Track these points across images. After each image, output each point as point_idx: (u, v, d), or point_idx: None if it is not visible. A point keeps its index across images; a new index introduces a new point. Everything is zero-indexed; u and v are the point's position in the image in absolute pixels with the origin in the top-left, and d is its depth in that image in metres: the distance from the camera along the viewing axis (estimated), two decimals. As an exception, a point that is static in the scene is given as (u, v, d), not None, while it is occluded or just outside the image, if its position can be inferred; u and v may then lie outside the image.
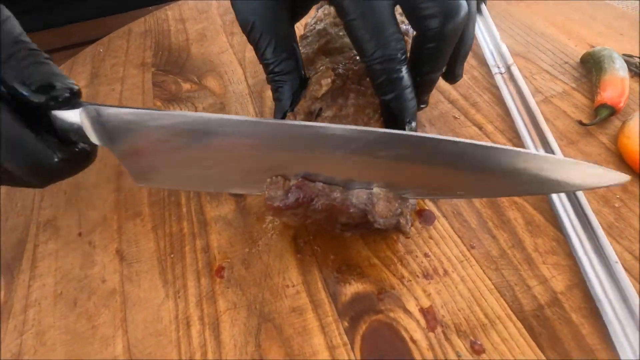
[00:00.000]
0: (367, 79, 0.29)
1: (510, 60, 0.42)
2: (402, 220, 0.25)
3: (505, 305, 0.26)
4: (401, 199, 0.26)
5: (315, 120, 0.28)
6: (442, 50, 0.27)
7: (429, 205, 0.32)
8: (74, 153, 0.26)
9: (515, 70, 0.40)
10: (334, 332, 0.25)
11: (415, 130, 0.28)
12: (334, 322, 0.26)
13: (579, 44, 0.47)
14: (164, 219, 0.32)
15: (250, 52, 0.50)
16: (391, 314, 0.26)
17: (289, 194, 0.26)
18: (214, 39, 0.54)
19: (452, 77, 0.30)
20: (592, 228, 0.27)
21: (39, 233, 0.32)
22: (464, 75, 0.44)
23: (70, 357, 0.25)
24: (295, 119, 0.28)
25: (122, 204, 0.34)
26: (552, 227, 0.30)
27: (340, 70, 0.30)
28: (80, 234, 0.32)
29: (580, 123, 0.36)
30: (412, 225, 0.26)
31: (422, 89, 0.28)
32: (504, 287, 0.27)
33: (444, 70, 0.29)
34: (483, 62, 0.45)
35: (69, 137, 0.26)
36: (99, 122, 0.25)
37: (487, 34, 0.46)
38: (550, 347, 0.24)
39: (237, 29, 0.56)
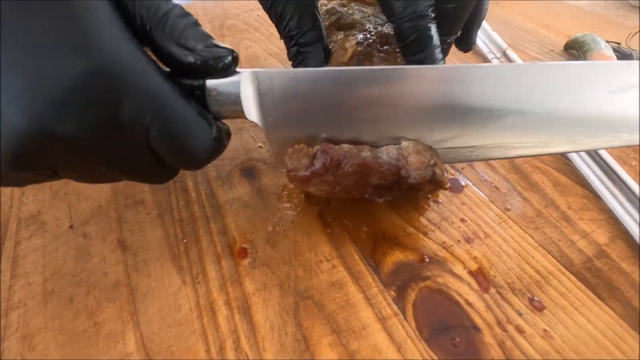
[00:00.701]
0: (388, 47, 0.29)
1: (504, 45, 0.43)
2: (437, 170, 0.24)
3: (554, 260, 0.24)
4: (432, 150, 0.24)
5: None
6: (461, 11, 0.27)
7: (453, 174, 0.31)
8: (225, 131, 0.22)
9: (512, 53, 0.42)
10: (382, 302, 0.23)
11: None
12: (380, 293, 0.23)
13: (558, 36, 0.50)
14: (171, 205, 0.29)
15: (245, 51, 0.50)
16: (439, 280, 0.24)
17: (315, 160, 0.24)
18: (205, 40, 0.53)
19: (467, 43, 0.31)
20: (622, 181, 0.27)
21: (21, 229, 0.28)
22: (459, 62, 0.45)
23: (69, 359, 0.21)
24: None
25: (120, 193, 0.30)
26: (579, 186, 0.30)
27: (359, 39, 0.29)
28: (71, 227, 0.28)
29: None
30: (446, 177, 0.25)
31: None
32: (549, 243, 0.25)
33: (458, 34, 0.29)
34: (476, 53, 0.47)
35: (221, 112, 0.22)
36: (261, 92, 0.22)
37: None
38: (611, 297, 0.22)
39: (228, 32, 0.55)
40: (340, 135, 0.24)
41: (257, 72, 0.22)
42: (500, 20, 0.54)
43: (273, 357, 0.20)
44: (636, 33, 0.46)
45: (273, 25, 0.28)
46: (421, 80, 0.22)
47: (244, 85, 0.22)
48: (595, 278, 0.23)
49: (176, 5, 0.21)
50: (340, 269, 0.24)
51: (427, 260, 0.25)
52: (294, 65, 0.30)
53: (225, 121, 0.23)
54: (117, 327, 0.22)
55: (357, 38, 0.29)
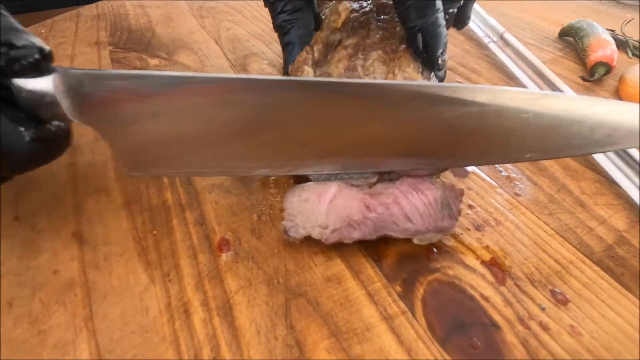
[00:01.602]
0: (386, 17, 0.26)
1: (501, 29, 0.42)
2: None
3: (573, 249, 0.22)
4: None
5: (335, 50, 0.24)
6: None
7: (457, 159, 0.28)
8: (48, 132, 0.19)
9: (509, 37, 0.40)
10: (387, 299, 0.20)
11: (446, 62, 0.25)
12: (384, 288, 0.20)
13: (552, 24, 0.49)
14: (139, 193, 0.25)
15: (225, 32, 0.46)
16: (450, 271, 0.21)
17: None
18: (182, 21, 0.49)
19: (462, 17, 0.28)
20: (637, 163, 0.26)
21: (-46, 222, 0.23)
22: (455, 47, 0.43)
23: (3, 379, 0.17)
24: (312, 51, 0.23)
25: (79, 180, 0.26)
26: (590, 170, 0.27)
27: (355, 6, 0.26)
28: (17, 218, 0.23)
29: (583, 79, 0.36)
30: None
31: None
32: (565, 230, 0.23)
33: (461, 2, 0.27)
34: (470, 37, 0.45)
35: (38, 113, 0.19)
36: (77, 91, 0.19)
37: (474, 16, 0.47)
38: (639, 287, 0.20)
39: (207, 13, 0.52)
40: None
41: (71, 71, 0.18)
42: (492, 10, 0.52)
43: (260, 366, 0.17)
44: (631, 20, 0.45)
45: (257, 8, 0.25)
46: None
47: (57, 87, 0.18)
48: (619, 267, 0.21)
49: None
50: (337, 262, 0.21)
51: (434, 250, 0.22)
52: (280, 37, 0.27)
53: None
54: (68, 335, 0.18)
55: (352, 6, 0.26)
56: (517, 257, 0.22)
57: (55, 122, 0.20)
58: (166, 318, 0.19)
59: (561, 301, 0.20)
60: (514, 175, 0.27)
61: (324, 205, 0.20)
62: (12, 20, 0.19)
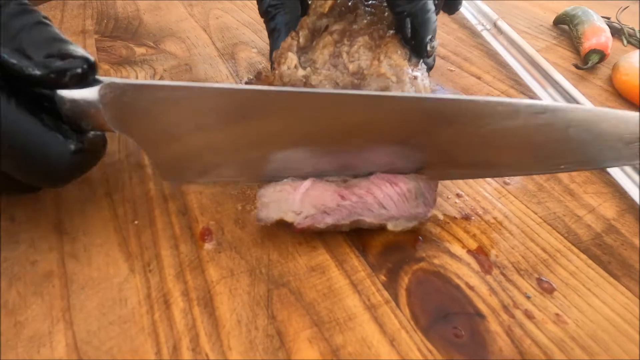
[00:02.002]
0: (374, 1, 0.25)
1: (495, 16, 0.41)
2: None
3: (561, 237, 0.22)
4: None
5: (320, 36, 0.23)
6: None
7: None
8: (89, 142, 0.19)
9: (503, 24, 0.39)
10: (370, 288, 0.19)
11: (435, 49, 0.24)
12: (368, 278, 0.20)
13: (547, 12, 0.48)
14: (122, 183, 0.25)
15: (214, 20, 0.45)
16: (435, 261, 0.21)
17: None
18: (170, 9, 0.48)
19: (453, 5, 0.28)
20: (627, 150, 0.25)
21: None
22: (448, 36, 0.42)
23: (-24, 371, 0.16)
24: (297, 37, 0.23)
25: (60, 170, 0.25)
26: (580, 159, 0.27)
27: (341, -8, 0.25)
28: (-4, 209, 0.23)
29: (577, 67, 0.36)
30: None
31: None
32: (554, 219, 0.23)
33: None
34: (463, 25, 0.44)
35: (80, 124, 0.19)
36: (121, 102, 0.18)
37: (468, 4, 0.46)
38: (626, 275, 0.20)
39: (197, 1, 0.50)
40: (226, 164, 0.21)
41: (118, 82, 0.18)
42: (487, -4, 0.51)
43: (240, 356, 0.17)
44: (626, 7, 0.44)
45: None
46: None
47: (103, 98, 0.18)
48: (606, 255, 0.21)
49: (11, 2, 0.18)
50: (321, 251, 0.21)
51: (420, 239, 0.22)
52: (266, 23, 0.26)
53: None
54: (44, 327, 0.18)
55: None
56: (504, 246, 0.21)
57: (93, 132, 0.20)
58: (145, 309, 0.18)
59: (547, 290, 0.19)
60: (504, 164, 0.27)
61: (298, 195, 0.20)
62: (57, 31, 0.19)
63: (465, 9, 0.44)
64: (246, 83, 0.22)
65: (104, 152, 0.21)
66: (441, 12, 0.29)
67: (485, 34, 0.40)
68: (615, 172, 0.25)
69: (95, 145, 0.20)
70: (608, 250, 0.21)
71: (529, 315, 0.18)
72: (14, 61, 0.17)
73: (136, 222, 0.22)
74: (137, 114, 0.19)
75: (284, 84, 0.22)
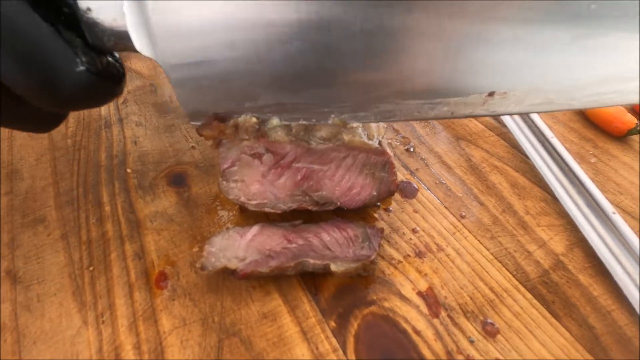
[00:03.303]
0: None
1: None
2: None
3: (510, 275, 0.22)
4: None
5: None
6: None
7: (407, 177, 0.28)
8: (105, 66, 0.17)
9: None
10: (319, 336, 0.20)
11: None
12: (318, 324, 0.20)
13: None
14: (79, 223, 0.25)
15: None
16: (385, 304, 0.21)
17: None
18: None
19: None
20: (581, 183, 0.26)
21: None
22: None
23: None
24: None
25: (16, 210, 0.25)
26: (537, 187, 0.28)
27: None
28: (-51, 256, 0.23)
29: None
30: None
31: None
32: (504, 255, 0.23)
33: None
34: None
35: (101, 42, 0.17)
36: (149, 19, 0.16)
37: None
38: (567, 315, 0.21)
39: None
40: (268, 99, 0.19)
41: None
42: None
43: (188, 412, 0.17)
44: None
45: None
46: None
47: (129, 8, 0.16)
48: (551, 294, 0.22)
49: None
50: (274, 296, 0.21)
51: (373, 280, 0.22)
52: None
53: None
54: (-5, 386, 0.18)
55: None
56: (454, 286, 0.22)
57: (110, 58, 0.18)
58: (96, 364, 0.19)
59: (490, 333, 0.20)
60: (462, 195, 0.27)
61: (244, 241, 0.20)
62: None
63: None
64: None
65: (121, 87, 0.18)
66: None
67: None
68: (567, 202, 0.25)
69: (111, 73, 0.18)
70: (553, 289, 0.22)
71: (471, 361, 0.19)
72: None
73: (91, 267, 0.22)
74: (165, 35, 0.17)
75: (238, 128, 0.21)
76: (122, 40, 0.17)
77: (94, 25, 0.17)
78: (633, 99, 0.18)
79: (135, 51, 0.18)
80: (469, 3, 0.16)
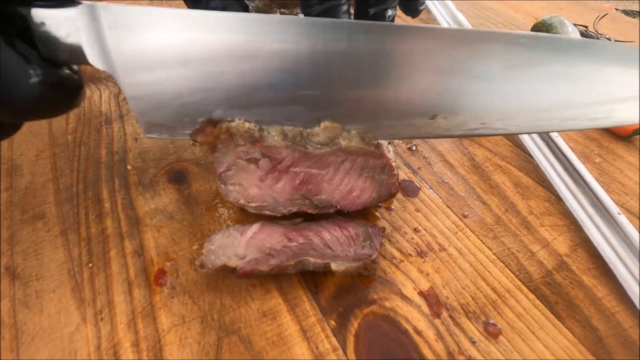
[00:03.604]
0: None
1: (469, 26, 0.40)
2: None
3: (512, 275, 0.22)
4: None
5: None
6: None
7: (409, 176, 0.28)
8: (59, 77, 0.17)
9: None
10: (319, 335, 0.20)
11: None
12: (318, 323, 0.20)
13: (525, 17, 0.48)
14: (78, 220, 0.24)
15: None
16: (386, 303, 0.21)
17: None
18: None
19: (414, 7, 0.26)
20: (586, 183, 0.25)
21: None
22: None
23: None
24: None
25: (16, 206, 0.25)
26: (541, 187, 0.27)
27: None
28: (-51, 251, 0.23)
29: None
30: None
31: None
32: (507, 255, 0.23)
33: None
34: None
35: (55, 54, 0.17)
36: (102, 29, 0.17)
37: (440, 6, 0.45)
38: (570, 317, 0.20)
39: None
40: (224, 112, 0.19)
41: (101, 5, 0.17)
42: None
43: (186, 411, 0.17)
44: (604, 15, 0.44)
45: None
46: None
47: (82, 22, 0.17)
48: (554, 295, 0.21)
49: None
50: (274, 295, 0.21)
51: (374, 279, 0.22)
52: None
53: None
54: (-7, 383, 0.18)
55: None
56: (455, 286, 0.22)
57: (67, 70, 0.18)
58: (95, 361, 0.18)
59: (492, 334, 0.20)
60: (464, 194, 0.27)
61: (244, 239, 0.20)
62: None
63: (441, 18, 0.43)
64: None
65: (79, 99, 0.19)
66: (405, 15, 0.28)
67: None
68: (571, 202, 0.25)
69: (66, 85, 0.18)
70: (556, 290, 0.22)
71: (472, 362, 0.19)
72: None
73: (91, 264, 0.22)
74: (119, 45, 0.17)
75: (232, 134, 0.21)
76: (76, 54, 0.17)
77: (47, 38, 0.17)
78: (569, 126, 0.20)
79: (89, 64, 0.18)
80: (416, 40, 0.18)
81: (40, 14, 0.17)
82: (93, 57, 0.18)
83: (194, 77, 0.18)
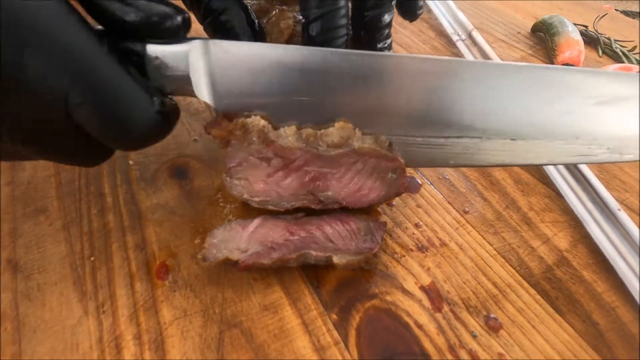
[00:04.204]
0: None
1: (470, 26, 0.40)
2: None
3: (513, 271, 0.22)
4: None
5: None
6: None
7: (411, 172, 0.28)
8: (171, 107, 0.19)
9: (477, 36, 0.39)
10: (321, 328, 0.20)
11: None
12: (319, 317, 0.20)
13: (525, 17, 0.48)
14: (80, 214, 0.24)
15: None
16: (388, 297, 0.21)
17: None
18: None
19: (412, 8, 0.26)
20: (586, 179, 0.26)
21: None
22: (424, 45, 0.42)
23: None
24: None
25: (18, 200, 0.25)
26: (541, 184, 0.27)
27: (299, 17, 0.25)
28: (-49, 244, 0.23)
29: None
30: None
31: (369, 28, 0.23)
32: (508, 251, 0.23)
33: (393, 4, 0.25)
34: (441, 34, 0.44)
35: (163, 86, 0.19)
36: (212, 65, 0.18)
37: (442, 6, 0.45)
38: (571, 311, 0.21)
39: None
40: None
41: (212, 42, 0.18)
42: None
43: (188, 403, 0.17)
44: (604, 15, 0.44)
45: None
46: (401, 72, 0.19)
47: (193, 56, 0.18)
48: (555, 290, 0.21)
49: None
50: (276, 289, 0.21)
51: (375, 273, 0.22)
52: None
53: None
54: (-6, 374, 0.18)
55: (295, 17, 0.25)
56: (457, 281, 0.22)
57: (168, 99, 0.19)
58: (96, 354, 0.19)
59: (493, 328, 0.20)
60: (465, 190, 0.27)
61: (246, 233, 0.20)
62: None
63: (443, 18, 0.43)
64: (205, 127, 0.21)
65: (175, 123, 0.19)
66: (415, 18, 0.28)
67: (460, 44, 0.39)
68: (572, 199, 0.25)
69: (172, 112, 0.19)
70: (557, 285, 0.22)
71: (473, 356, 0.19)
72: (113, 6, 0.16)
73: (92, 258, 0.22)
74: (225, 77, 0.19)
75: (247, 130, 0.21)
76: (183, 85, 0.19)
77: (159, 72, 0.18)
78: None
79: (192, 95, 0.19)
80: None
81: (155, 49, 0.18)
82: (199, 88, 0.19)
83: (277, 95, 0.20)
